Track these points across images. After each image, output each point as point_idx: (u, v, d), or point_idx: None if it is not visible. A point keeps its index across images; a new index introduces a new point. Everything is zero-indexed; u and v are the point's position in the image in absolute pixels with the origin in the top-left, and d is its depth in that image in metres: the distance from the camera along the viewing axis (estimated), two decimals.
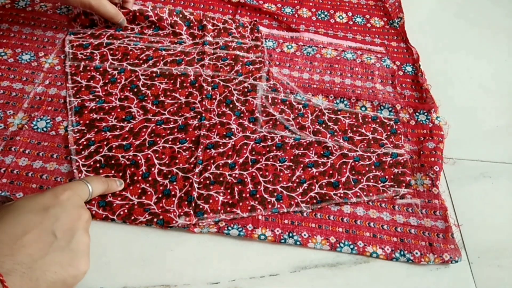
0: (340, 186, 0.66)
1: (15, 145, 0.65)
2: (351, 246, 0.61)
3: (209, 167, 0.66)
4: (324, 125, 0.74)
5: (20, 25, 0.82)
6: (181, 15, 0.86)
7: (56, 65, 0.76)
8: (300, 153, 0.70)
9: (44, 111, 0.70)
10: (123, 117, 0.70)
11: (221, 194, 0.64)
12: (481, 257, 0.63)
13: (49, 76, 0.75)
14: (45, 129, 0.68)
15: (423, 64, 0.85)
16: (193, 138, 0.69)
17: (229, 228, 0.61)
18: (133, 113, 0.71)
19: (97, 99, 0.72)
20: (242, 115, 0.73)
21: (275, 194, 0.65)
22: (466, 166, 0.73)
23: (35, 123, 0.68)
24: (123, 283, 0.56)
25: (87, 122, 0.69)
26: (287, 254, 0.61)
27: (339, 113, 0.76)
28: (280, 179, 0.66)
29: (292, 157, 0.69)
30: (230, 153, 0.68)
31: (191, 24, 0.86)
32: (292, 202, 0.64)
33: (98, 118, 0.70)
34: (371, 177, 0.68)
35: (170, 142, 0.68)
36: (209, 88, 0.76)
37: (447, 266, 0.61)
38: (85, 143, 0.67)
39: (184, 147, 0.68)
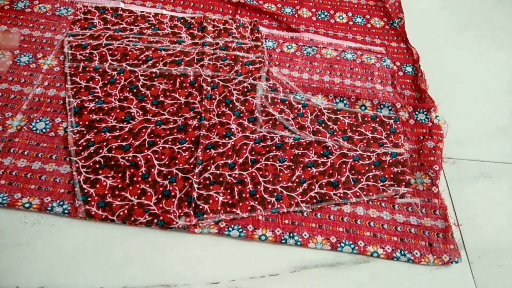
0: (340, 185, 0.66)
1: (14, 146, 0.65)
2: (352, 246, 0.61)
3: (209, 168, 0.66)
4: (323, 125, 0.74)
5: (19, 27, 0.81)
6: (182, 20, 0.87)
7: (55, 66, 0.76)
8: (299, 153, 0.69)
9: (43, 113, 0.70)
10: (123, 117, 0.70)
11: (221, 194, 0.63)
12: (481, 257, 0.63)
13: (48, 77, 0.74)
14: (44, 130, 0.68)
15: (423, 65, 0.85)
16: (193, 139, 0.69)
17: (230, 229, 0.61)
18: (133, 114, 0.71)
19: (97, 100, 0.72)
20: (241, 115, 0.73)
21: (275, 194, 0.64)
22: (466, 166, 0.73)
23: (34, 124, 0.68)
24: (123, 283, 0.56)
25: (87, 123, 0.69)
26: (287, 254, 0.61)
27: (338, 112, 0.76)
28: (280, 179, 0.66)
29: (291, 157, 0.69)
30: (229, 153, 0.68)
31: (191, 26, 0.86)
32: (292, 202, 0.64)
33: (97, 118, 0.70)
34: (370, 176, 0.68)
35: (169, 143, 0.68)
36: (209, 88, 0.76)
37: (447, 266, 0.61)
38: (84, 144, 0.67)
39: (184, 148, 0.68)
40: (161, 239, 0.60)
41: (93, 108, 0.71)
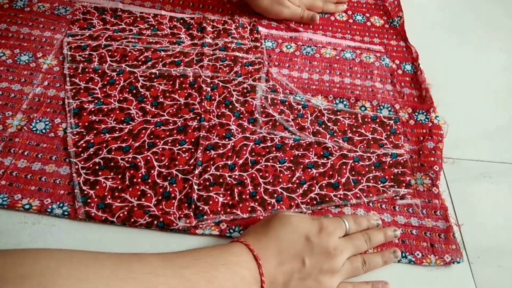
0: (340, 187, 0.66)
1: (14, 146, 0.65)
2: None
3: (208, 169, 0.66)
4: (323, 126, 0.74)
5: (18, 26, 0.81)
6: (181, 21, 0.87)
7: (54, 66, 0.76)
8: (299, 154, 0.69)
9: (43, 113, 0.70)
10: (122, 118, 0.70)
11: (221, 196, 0.63)
12: (481, 257, 0.63)
13: (48, 77, 0.74)
14: (44, 130, 0.68)
15: (422, 64, 0.85)
16: (193, 140, 0.69)
17: (231, 230, 0.61)
18: (132, 115, 0.71)
19: (96, 101, 0.72)
20: (241, 116, 0.73)
21: (275, 195, 0.64)
22: (466, 166, 0.73)
23: (34, 124, 0.68)
24: None
25: (86, 124, 0.69)
26: None
27: (338, 113, 0.76)
28: (280, 180, 0.66)
29: (291, 158, 0.69)
30: (229, 154, 0.68)
31: (191, 26, 0.86)
32: (292, 203, 0.64)
33: (97, 120, 0.70)
34: (371, 177, 0.68)
35: (169, 144, 0.68)
36: (208, 89, 0.76)
37: (448, 266, 0.61)
38: (84, 145, 0.67)
39: (184, 149, 0.68)
40: (162, 239, 0.60)
41: (92, 109, 0.71)
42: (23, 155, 0.65)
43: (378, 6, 0.99)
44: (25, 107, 0.70)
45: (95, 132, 0.68)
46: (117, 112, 0.71)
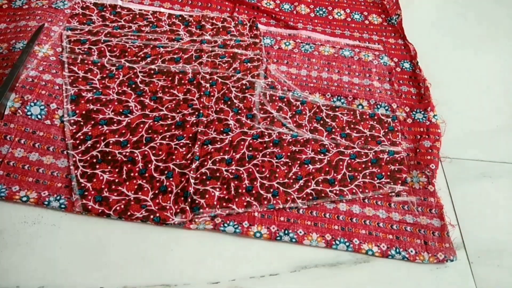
0: (336, 183, 0.66)
1: (10, 133, 0.64)
2: (347, 244, 0.61)
3: (205, 163, 0.66)
4: (322, 122, 0.74)
5: (16, 22, 0.81)
6: (180, 18, 0.87)
7: (51, 55, 0.76)
8: (297, 150, 0.69)
9: (37, 95, 0.69)
10: (121, 110, 0.70)
11: (217, 190, 0.63)
12: (481, 257, 0.63)
13: (43, 63, 0.74)
14: (39, 116, 0.67)
15: (422, 64, 0.85)
16: (190, 135, 0.69)
17: (225, 225, 0.61)
18: (131, 107, 0.71)
19: (94, 90, 0.72)
20: (239, 111, 0.73)
21: (271, 190, 0.65)
22: (466, 166, 0.73)
23: (29, 108, 0.67)
24: (123, 282, 0.56)
25: (84, 112, 0.69)
26: (287, 253, 0.61)
27: (337, 109, 0.76)
28: (277, 175, 0.66)
29: (289, 154, 0.69)
30: (227, 148, 0.68)
31: (190, 24, 0.86)
32: (288, 198, 0.64)
33: (95, 109, 0.69)
34: (367, 173, 0.68)
35: (167, 139, 0.68)
36: (207, 85, 0.76)
37: (447, 265, 0.61)
38: (82, 137, 0.66)
39: (181, 144, 0.68)
40: (161, 238, 0.60)
41: (90, 98, 0.71)
42: (19, 143, 0.64)
43: (376, 4, 0.99)
44: (18, 85, 0.69)
45: (92, 122, 0.68)
46: (116, 103, 0.71)
